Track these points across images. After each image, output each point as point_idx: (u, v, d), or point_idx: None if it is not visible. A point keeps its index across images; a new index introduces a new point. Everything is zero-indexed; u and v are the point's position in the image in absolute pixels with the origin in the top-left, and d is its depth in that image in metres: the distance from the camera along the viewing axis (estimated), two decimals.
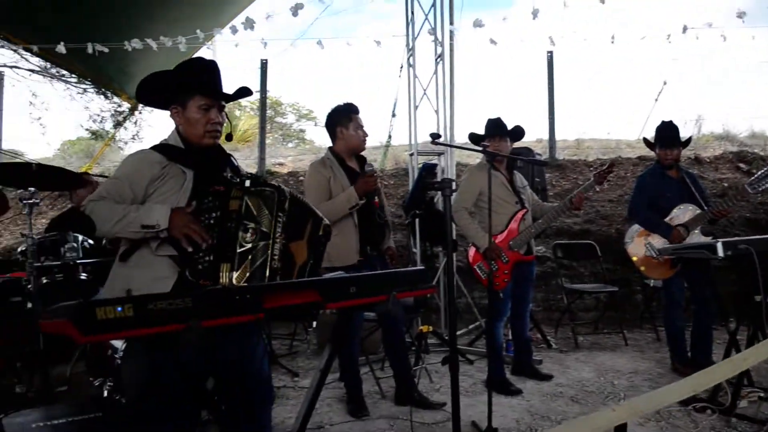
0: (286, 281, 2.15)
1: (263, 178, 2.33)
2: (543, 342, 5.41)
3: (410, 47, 5.93)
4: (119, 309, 1.47)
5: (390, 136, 9.67)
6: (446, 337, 5.32)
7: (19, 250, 4.48)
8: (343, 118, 3.82)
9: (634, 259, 4.43)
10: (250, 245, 2.16)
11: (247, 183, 2.20)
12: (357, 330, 3.91)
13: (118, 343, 3.55)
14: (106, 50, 6.14)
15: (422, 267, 2.38)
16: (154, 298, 1.54)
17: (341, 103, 3.88)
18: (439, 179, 2.65)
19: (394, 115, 9.44)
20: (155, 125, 10.29)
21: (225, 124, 2.44)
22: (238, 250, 2.14)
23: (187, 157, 2.32)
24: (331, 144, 3.96)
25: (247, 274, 2.14)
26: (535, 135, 11.12)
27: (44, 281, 4.08)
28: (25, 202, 3.88)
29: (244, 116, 16.42)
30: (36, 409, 3.30)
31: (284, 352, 5.43)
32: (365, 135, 3.84)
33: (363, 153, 3.99)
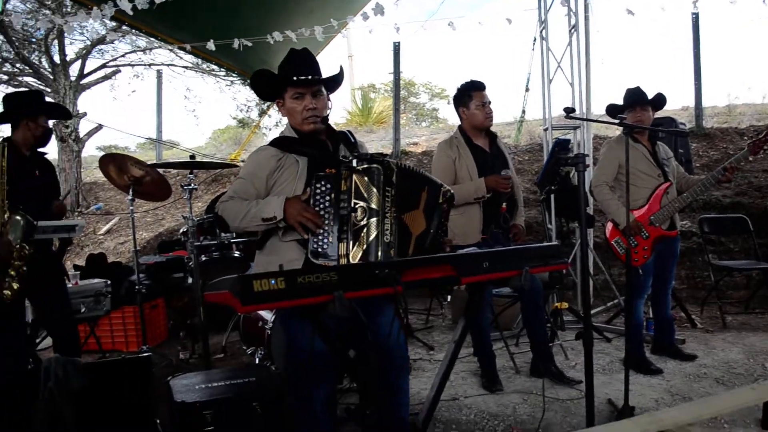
0: (422, 257, 2.24)
1: (369, 154, 2.37)
2: (687, 321, 5.15)
3: (543, 20, 5.80)
4: (273, 282, 1.64)
5: (524, 111, 9.54)
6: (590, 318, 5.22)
7: (181, 231, 4.94)
8: (464, 97, 3.86)
9: None
10: (362, 223, 2.25)
11: (354, 162, 2.29)
12: (487, 305, 3.96)
13: (269, 316, 3.82)
14: (250, 44, 6.53)
15: (555, 243, 2.37)
16: (303, 272, 1.69)
17: (464, 82, 3.90)
18: (572, 154, 2.59)
19: (527, 90, 9.30)
20: None
21: (327, 107, 2.57)
22: (352, 229, 2.25)
23: (299, 146, 2.50)
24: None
25: (362, 251, 2.23)
26: (681, 102, 10.45)
27: (203, 258, 4.47)
28: (185, 187, 4.29)
29: (379, 98, 16.78)
30: (198, 373, 3.68)
31: (420, 327, 5.59)
32: (489, 112, 3.82)
33: (498, 129, 3.99)
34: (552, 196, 5.41)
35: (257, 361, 4.09)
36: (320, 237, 2.29)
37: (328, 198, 2.31)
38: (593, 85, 5.81)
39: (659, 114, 4.42)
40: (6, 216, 2.83)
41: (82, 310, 4.45)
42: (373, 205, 2.28)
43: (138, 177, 4.72)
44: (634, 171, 3.87)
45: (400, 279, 1.78)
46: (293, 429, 2.52)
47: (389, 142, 10.24)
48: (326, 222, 2.29)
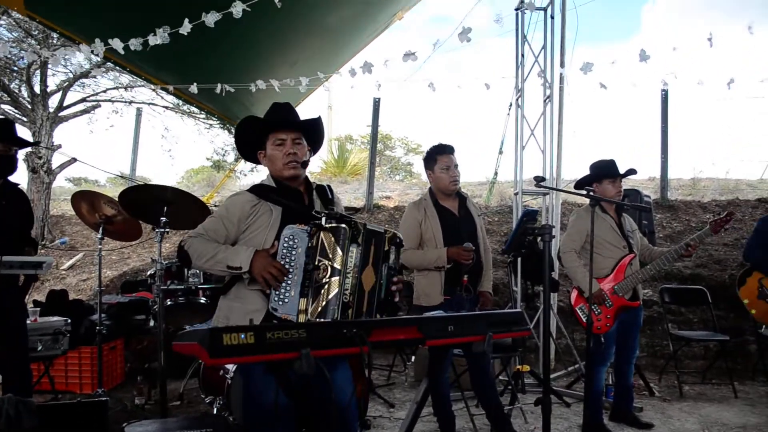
0: (390, 318, 2.29)
1: (339, 214, 2.43)
2: (645, 389, 5.22)
3: (519, 88, 6.02)
4: (242, 336, 1.67)
5: (496, 173, 9.74)
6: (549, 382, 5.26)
7: (148, 273, 4.90)
8: (430, 160, 3.97)
9: (746, 301, 4.26)
10: (323, 281, 2.29)
11: (323, 220, 2.34)
12: (447, 366, 3.98)
13: (230, 366, 3.79)
14: (233, 90, 6.63)
15: (519, 310, 2.43)
16: (273, 328, 1.72)
17: (432, 145, 4.01)
18: (540, 225, 2.70)
19: (501, 152, 9.52)
20: None
21: (306, 155, 2.65)
22: (314, 285, 2.30)
23: (275, 195, 2.57)
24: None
25: (320, 308, 2.26)
26: (647, 173, 10.81)
27: (168, 303, 4.43)
28: (157, 230, 4.28)
29: (355, 150, 16.99)
30: (154, 421, 3.61)
31: (382, 383, 5.56)
32: (454, 176, 3.90)
33: (470, 188, 4.10)
34: (519, 259, 5.51)
35: (215, 410, 4.03)
36: (282, 290, 2.32)
37: (294, 252, 2.35)
38: (565, 153, 6.02)
39: (625, 185, 4.59)
40: None
41: (39, 348, 4.35)
42: (336, 265, 2.30)
43: (109, 216, 4.71)
44: (600, 241, 4.00)
45: (367, 339, 1.81)
46: None
47: (362, 194, 10.35)
48: (291, 275, 2.33)
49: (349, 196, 12.53)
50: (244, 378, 2.63)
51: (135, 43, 5.16)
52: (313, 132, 2.77)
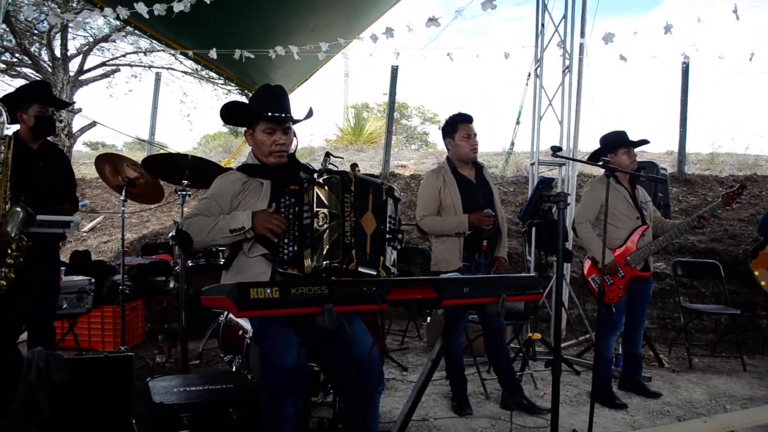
0: (408, 278, 2.38)
1: (328, 168, 2.68)
2: (655, 360, 5.29)
3: (538, 58, 5.99)
4: (268, 291, 1.75)
5: (513, 143, 9.73)
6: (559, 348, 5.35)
7: (170, 235, 5.00)
8: (450, 128, 4.03)
9: (757, 273, 4.31)
10: (323, 227, 2.43)
11: (315, 176, 2.49)
12: (461, 330, 4.07)
13: (248, 325, 3.90)
14: (252, 56, 6.66)
15: (532, 274, 2.50)
16: (297, 284, 1.80)
17: (452, 114, 4.05)
18: (555, 192, 2.75)
19: (518, 123, 9.52)
20: None
21: (293, 142, 2.77)
22: (315, 236, 2.43)
23: (263, 172, 2.68)
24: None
25: (324, 252, 2.41)
26: (665, 146, 10.75)
27: (190, 264, 4.53)
28: (179, 192, 4.37)
29: (371, 117, 16.97)
30: (176, 376, 3.75)
31: (396, 348, 5.68)
32: (474, 144, 3.97)
33: (486, 159, 4.15)
34: (533, 229, 5.56)
35: (234, 369, 4.16)
36: (284, 247, 2.46)
37: (292, 211, 2.50)
38: (582, 123, 6.02)
39: (643, 158, 4.61)
40: (6, 207, 2.89)
41: (64, 306, 4.48)
42: (334, 211, 2.47)
43: (132, 178, 4.80)
44: (614, 212, 4.05)
45: (386, 297, 1.89)
46: None
47: (378, 163, 10.39)
48: (290, 232, 2.47)
49: (364, 164, 12.55)
50: (259, 337, 2.72)
51: (159, 8, 5.21)
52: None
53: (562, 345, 5.69)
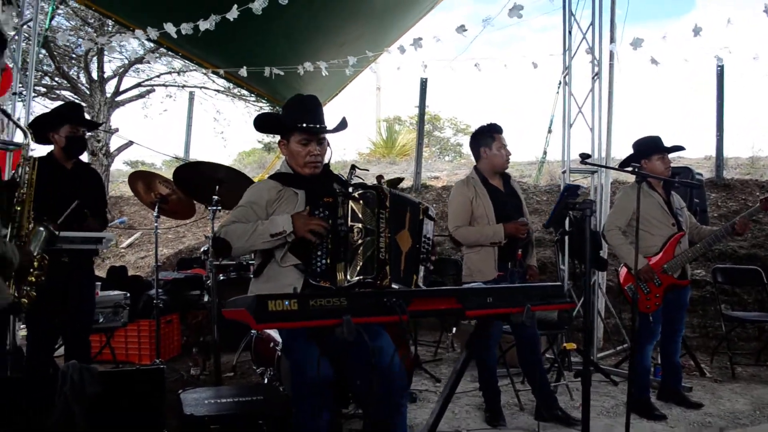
0: (430, 289, 2.36)
1: (364, 183, 2.61)
2: (696, 369, 5.14)
3: (567, 66, 5.93)
4: (287, 303, 1.75)
5: (545, 152, 9.64)
6: (590, 356, 5.25)
7: (201, 249, 5.08)
8: (486, 138, 3.98)
9: None
10: (359, 242, 2.43)
11: (350, 190, 2.50)
12: (495, 340, 4.02)
13: (279, 337, 3.91)
14: (282, 73, 6.75)
15: (559, 283, 2.46)
16: (315, 296, 1.80)
17: (484, 124, 4.03)
18: (581, 200, 2.70)
19: (550, 131, 9.43)
20: None
21: (327, 152, 2.75)
22: (349, 249, 2.43)
23: (297, 181, 2.67)
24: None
25: (358, 268, 2.40)
26: (704, 151, 10.48)
27: (221, 278, 4.59)
28: (210, 208, 4.44)
29: (404, 130, 17.02)
30: (208, 388, 3.78)
31: (429, 359, 5.63)
32: (508, 154, 3.95)
33: (518, 168, 4.13)
34: (566, 237, 5.48)
35: (266, 380, 4.18)
36: (318, 259, 2.44)
37: (326, 223, 2.47)
38: (616, 130, 5.92)
39: (679, 164, 4.51)
40: (30, 226, 2.95)
41: (100, 320, 4.57)
42: (369, 226, 2.47)
43: (164, 195, 4.89)
44: (648, 219, 3.96)
45: (406, 308, 1.87)
46: None
47: (411, 175, 10.38)
48: (324, 245, 2.45)
49: (397, 175, 12.59)
50: (287, 350, 2.73)
51: (186, 28, 5.33)
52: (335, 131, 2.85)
53: (600, 355, 5.59)
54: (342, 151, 14.82)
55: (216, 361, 4.47)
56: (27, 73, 4.80)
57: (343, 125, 2.84)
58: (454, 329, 5.50)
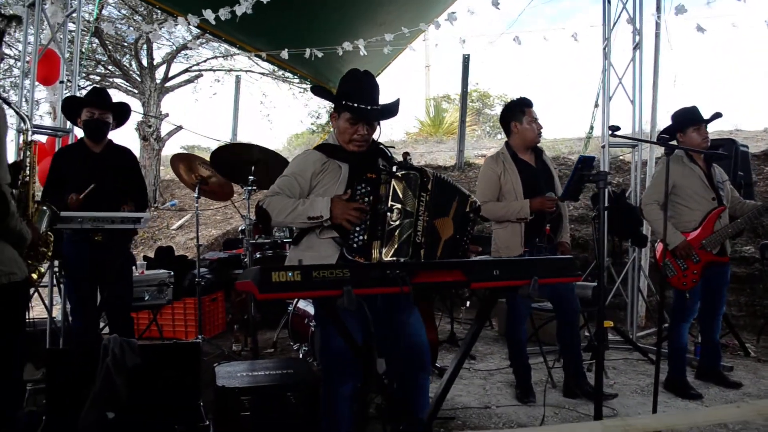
0: (435, 261, 2.39)
1: (410, 163, 2.55)
2: (740, 349, 5.00)
3: (606, 36, 5.77)
4: (290, 274, 1.81)
5: (592, 127, 9.41)
6: (629, 335, 5.19)
7: (239, 229, 5.23)
8: (516, 112, 3.94)
9: None
10: (396, 223, 2.43)
11: (394, 168, 2.47)
12: (523, 317, 4.01)
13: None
14: (321, 54, 6.82)
15: (570, 256, 2.44)
16: (318, 267, 1.85)
17: (515, 98, 4.00)
18: (595, 172, 2.66)
19: (596, 105, 9.17)
20: None
21: (376, 131, 2.73)
22: (387, 229, 2.43)
23: (343, 153, 2.67)
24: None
25: (394, 249, 2.42)
26: (762, 124, 10.05)
27: (257, 256, 4.72)
28: (245, 188, 4.56)
29: (452, 109, 16.89)
30: (242, 362, 3.93)
31: (464, 335, 5.65)
32: (539, 128, 3.90)
33: (566, 144, 4.06)
34: (605, 213, 5.38)
35: (301, 356, 4.30)
36: (356, 234, 2.47)
37: (367, 199, 2.49)
38: (663, 104, 5.74)
39: (737, 136, 4.36)
40: (34, 207, 3.09)
41: (146, 297, 4.77)
42: (408, 208, 2.47)
43: (205, 177, 5.05)
44: (688, 192, 3.86)
45: (409, 280, 1.91)
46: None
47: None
48: (363, 221, 2.47)
49: (444, 155, 12.53)
50: (318, 324, 2.81)
51: (224, 13, 5.45)
52: (387, 113, 2.80)
53: (640, 334, 5.49)
54: (389, 130, 14.84)
55: (254, 338, 4.62)
56: (74, 62, 4.99)
57: (393, 111, 2.79)
58: (468, 303, 5.51)
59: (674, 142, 3.97)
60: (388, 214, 2.45)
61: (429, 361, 2.68)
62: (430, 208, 2.53)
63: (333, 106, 2.79)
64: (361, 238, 2.47)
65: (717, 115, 3.93)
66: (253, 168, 4.59)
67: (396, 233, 2.44)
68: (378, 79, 2.82)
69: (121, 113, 4.11)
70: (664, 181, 3.72)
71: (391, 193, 2.46)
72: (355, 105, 2.63)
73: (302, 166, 2.69)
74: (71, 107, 4.04)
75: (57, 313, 4.68)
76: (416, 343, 2.60)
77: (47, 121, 6.46)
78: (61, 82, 4.78)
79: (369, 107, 2.66)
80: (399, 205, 2.45)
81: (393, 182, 2.47)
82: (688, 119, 3.92)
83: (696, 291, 3.95)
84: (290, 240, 5.04)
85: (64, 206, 3.74)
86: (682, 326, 4.02)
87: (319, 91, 2.96)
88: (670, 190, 3.91)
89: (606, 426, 1.37)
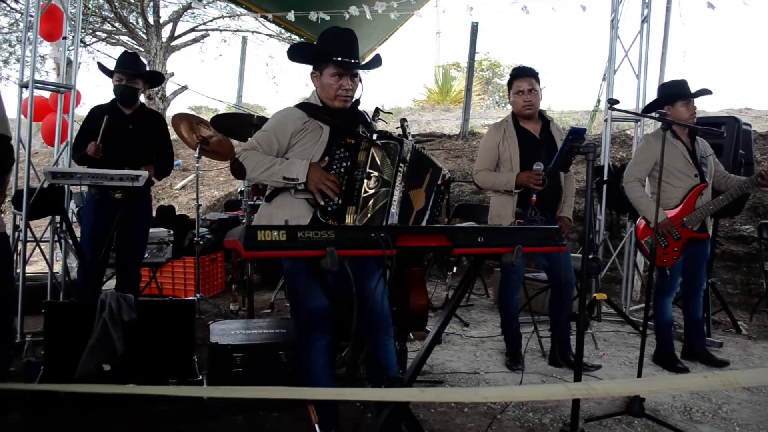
0: (420, 226, 2.43)
1: (388, 132, 2.56)
2: (732, 326, 5.04)
3: (614, 8, 5.71)
4: (275, 234, 1.85)
5: (599, 100, 9.34)
6: (623, 308, 5.24)
7: (238, 190, 5.27)
8: (509, 84, 3.95)
9: None
10: (372, 191, 2.46)
11: (374, 136, 2.48)
12: (515, 287, 4.05)
13: None
14: (327, 18, 6.77)
15: (556, 226, 2.46)
16: (304, 228, 1.89)
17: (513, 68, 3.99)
18: (584, 143, 2.67)
19: (604, 79, 9.11)
20: (365, 83, 11.16)
21: (358, 88, 2.72)
22: (362, 196, 2.46)
23: (324, 114, 2.66)
24: None
25: (368, 217, 2.45)
26: None
27: (254, 218, 4.74)
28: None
29: (460, 77, 16.74)
30: (237, 321, 4.02)
31: (461, 304, 5.71)
32: (528, 100, 3.84)
33: (577, 117, 4.03)
34: (604, 187, 5.40)
35: None
36: (330, 198, 2.48)
37: (344, 164, 2.50)
38: (669, 78, 5.67)
39: (747, 115, 4.32)
40: None
41: (146, 255, 4.84)
42: (386, 177, 2.49)
43: (205, 137, 5.07)
44: (670, 169, 3.83)
45: (393, 244, 1.94)
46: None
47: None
48: (339, 186, 2.48)
49: (450, 123, 12.48)
50: (290, 283, 2.86)
51: None
52: (369, 67, 2.86)
53: (634, 308, 5.54)
54: (397, 97, 14.75)
55: (250, 298, 4.69)
56: (76, 19, 4.97)
57: (376, 62, 2.83)
58: (454, 269, 5.57)
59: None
60: (366, 181, 2.46)
61: (390, 325, 2.73)
62: (407, 179, 2.55)
63: (313, 66, 2.77)
64: (336, 201, 2.47)
65: (705, 92, 3.90)
66: (253, 131, 4.60)
67: (371, 201, 2.47)
68: (386, 45, 2.84)
69: (153, 79, 4.31)
70: (654, 158, 3.74)
71: (369, 161, 2.47)
72: (339, 58, 2.63)
73: (283, 123, 2.66)
74: (106, 71, 4.18)
75: (58, 267, 4.76)
76: (377, 308, 2.65)
77: (52, 77, 6.46)
78: (64, 38, 4.77)
79: (352, 60, 2.66)
80: (376, 173, 2.47)
81: (372, 150, 2.48)
82: (676, 93, 3.88)
83: (677, 267, 3.97)
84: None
85: (86, 159, 4.00)
86: (664, 300, 4.04)
87: (296, 54, 2.83)
88: (651, 167, 3.91)
89: (570, 388, 1.41)
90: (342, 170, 2.49)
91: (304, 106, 2.72)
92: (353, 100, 2.74)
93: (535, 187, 3.68)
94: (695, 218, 3.86)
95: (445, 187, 2.73)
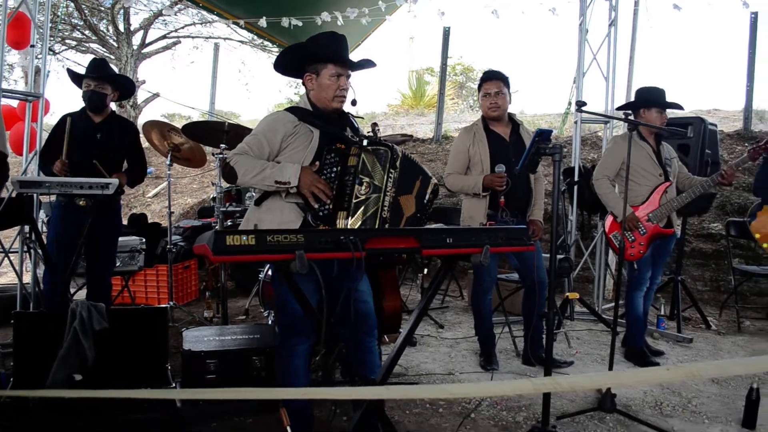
0: (389, 228, 2.46)
1: (379, 138, 2.61)
2: (702, 322, 5.14)
3: (582, 12, 5.80)
4: (244, 238, 1.85)
5: (570, 103, 9.48)
6: (595, 307, 5.31)
7: (211, 196, 5.25)
8: (478, 88, 4.01)
9: (757, 236, 4.24)
10: (363, 197, 2.48)
11: (365, 142, 2.51)
12: (488, 288, 4.08)
13: None
14: (300, 24, 6.78)
15: (524, 226, 2.49)
16: (273, 232, 1.90)
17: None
18: (551, 145, 2.71)
19: (574, 82, 9.25)
20: None
21: (350, 91, 2.74)
22: (354, 201, 2.48)
23: (314, 118, 2.67)
24: None
25: (359, 222, 2.47)
26: (740, 105, 10.17)
27: (228, 223, 4.74)
28: (216, 155, 4.57)
29: (434, 81, 16.81)
30: (210, 327, 3.99)
31: (436, 306, 5.76)
32: (493, 103, 3.89)
33: (549, 119, 4.09)
34: (575, 188, 5.47)
35: (270, 322, 4.37)
36: (322, 203, 2.50)
37: (335, 169, 2.52)
38: (638, 80, 5.81)
39: (714, 117, 4.46)
40: None
41: (118, 264, 4.79)
42: (377, 182, 2.52)
43: (177, 144, 5.04)
44: (636, 168, 3.96)
45: (362, 246, 1.96)
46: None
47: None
48: (330, 191, 2.50)
49: (424, 128, 12.53)
50: (275, 289, 2.87)
51: None
52: (360, 67, 2.87)
53: (605, 306, 5.63)
54: (370, 102, 14.80)
55: (224, 305, 4.67)
56: (44, 27, 4.91)
57: (370, 63, 2.86)
58: (425, 270, 5.62)
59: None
60: (357, 186, 2.48)
61: (375, 326, 2.74)
62: (397, 185, 2.58)
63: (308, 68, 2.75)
64: (327, 206, 2.50)
65: (677, 106, 4.07)
66: (225, 137, 4.60)
67: (362, 207, 2.49)
68: (359, 50, 2.89)
69: (123, 85, 4.21)
70: (621, 157, 3.86)
71: (360, 167, 2.50)
72: (342, 58, 2.68)
73: (273, 126, 2.66)
74: (75, 78, 4.12)
75: (28, 278, 4.69)
76: (363, 310, 2.66)
77: (21, 86, 6.38)
78: (32, 46, 4.71)
79: (355, 61, 2.73)
80: (368, 179, 2.50)
81: (363, 155, 2.51)
82: (654, 100, 4.00)
83: (645, 261, 4.07)
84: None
85: (52, 173, 3.91)
86: (635, 294, 4.13)
87: (286, 61, 2.84)
88: (619, 166, 4.04)
89: (536, 384, 1.44)
90: (332, 175, 2.52)
91: (294, 110, 2.74)
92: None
93: (499, 188, 3.72)
94: (660, 214, 4.00)
95: (433, 195, 2.76)
